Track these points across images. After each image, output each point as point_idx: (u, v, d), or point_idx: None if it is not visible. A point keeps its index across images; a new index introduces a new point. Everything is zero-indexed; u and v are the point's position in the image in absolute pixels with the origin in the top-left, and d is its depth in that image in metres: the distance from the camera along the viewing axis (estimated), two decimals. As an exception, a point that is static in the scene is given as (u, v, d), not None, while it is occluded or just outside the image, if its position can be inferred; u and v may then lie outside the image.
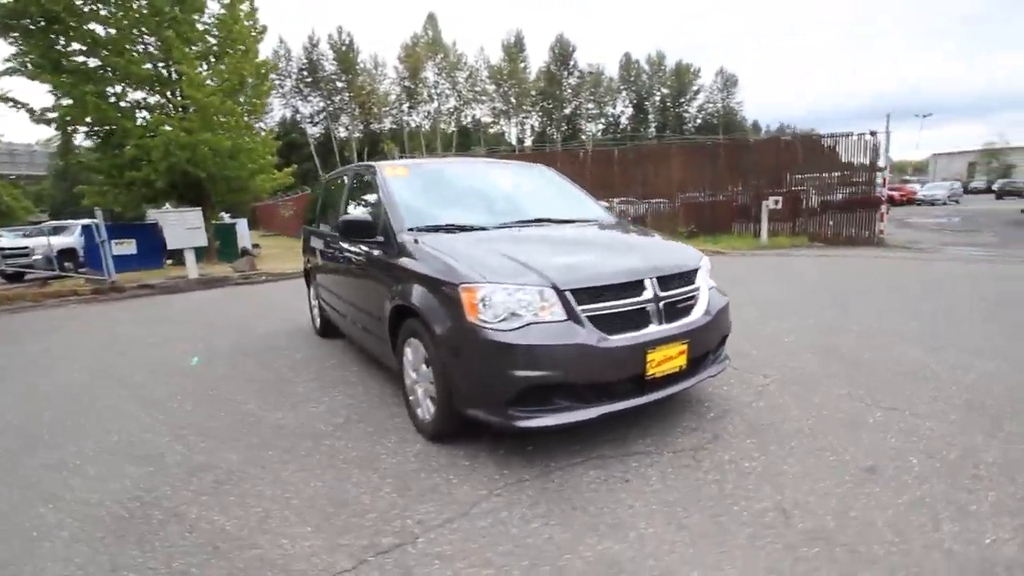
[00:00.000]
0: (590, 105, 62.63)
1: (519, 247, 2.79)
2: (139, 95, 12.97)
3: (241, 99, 13.20)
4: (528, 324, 2.35)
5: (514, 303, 2.39)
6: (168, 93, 12.91)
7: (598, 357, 2.38)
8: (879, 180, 13.08)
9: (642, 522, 2.08)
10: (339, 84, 52.92)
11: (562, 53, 59.04)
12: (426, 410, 2.87)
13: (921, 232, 15.44)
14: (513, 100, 57.86)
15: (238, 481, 2.57)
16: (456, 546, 1.98)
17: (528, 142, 61.14)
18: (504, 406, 2.36)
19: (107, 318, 7.43)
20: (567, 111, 62.38)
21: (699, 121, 65.19)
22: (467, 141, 56.60)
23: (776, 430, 2.81)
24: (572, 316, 2.39)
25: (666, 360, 2.55)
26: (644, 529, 2.03)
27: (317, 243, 4.99)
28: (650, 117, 64.89)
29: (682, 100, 65.05)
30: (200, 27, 12.71)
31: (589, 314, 2.42)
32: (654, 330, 2.54)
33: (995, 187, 38.85)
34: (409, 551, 1.97)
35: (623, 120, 64.63)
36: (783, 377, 3.60)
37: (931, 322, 4.91)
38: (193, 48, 12.40)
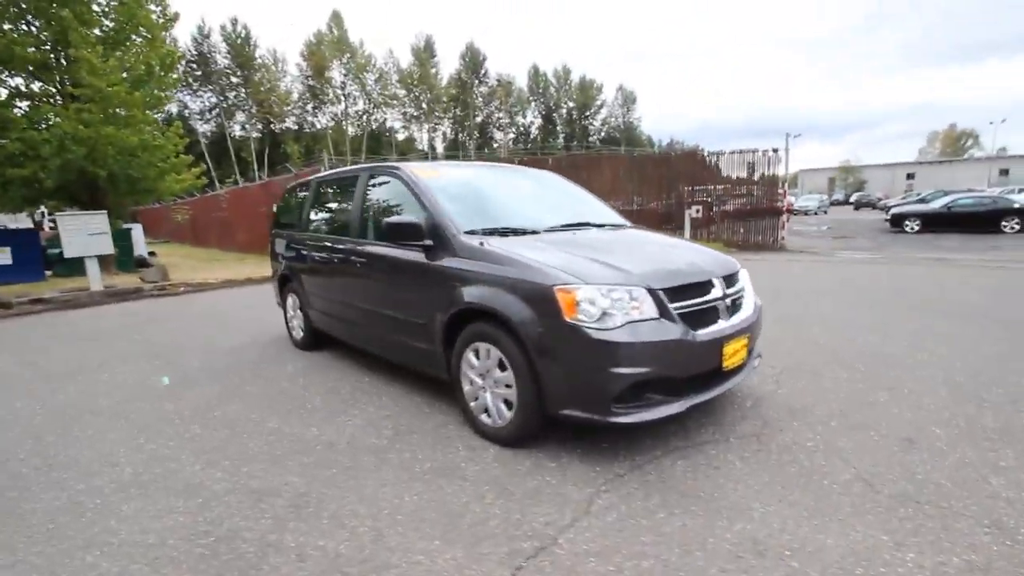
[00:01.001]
0: (501, 114, 63.71)
1: (588, 249, 2.86)
2: (16, 81, 11.21)
3: (144, 91, 11.86)
4: (629, 322, 2.44)
5: (608, 303, 2.46)
6: (56, 81, 11.29)
7: (690, 351, 2.52)
8: (780, 192, 14.76)
9: (755, 503, 2.24)
10: (234, 79, 49.17)
11: (473, 61, 59.56)
12: (498, 415, 2.83)
13: (808, 239, 17.53)
14: (424, 106, 57.29)
15: (319, 502, 2.37)
16: (600, 543, 2.01)
17: (440, 148, 60.86)
18: (607, 403, 2.42)
19: (8, 339, 6.33)
20: (479, 119, 62.96)
21: (603, 134, 68.79)
22: (377, 145, 55.15)
23: (812, 412, 3.13)
24: (664, 314, 2.51)
25: (735, 353, 2.76)
26: (763, 508, 2.19)
27: (305, 249, 4.68)
28: (558, 128, 67.33)
29: (587, 113, 68.28)
30: (97, 8, 11.27)
31: (677, 312, 2.56)
32: (725, 325, 2.74)
33: (852, 199, 45.28)
34: (558, 552, 1.96)
35: (533, 130, 66.48)
36: (787, 367, 3.99)
37: (870, 314, 5.67)
38: (93, 32, 10.96)
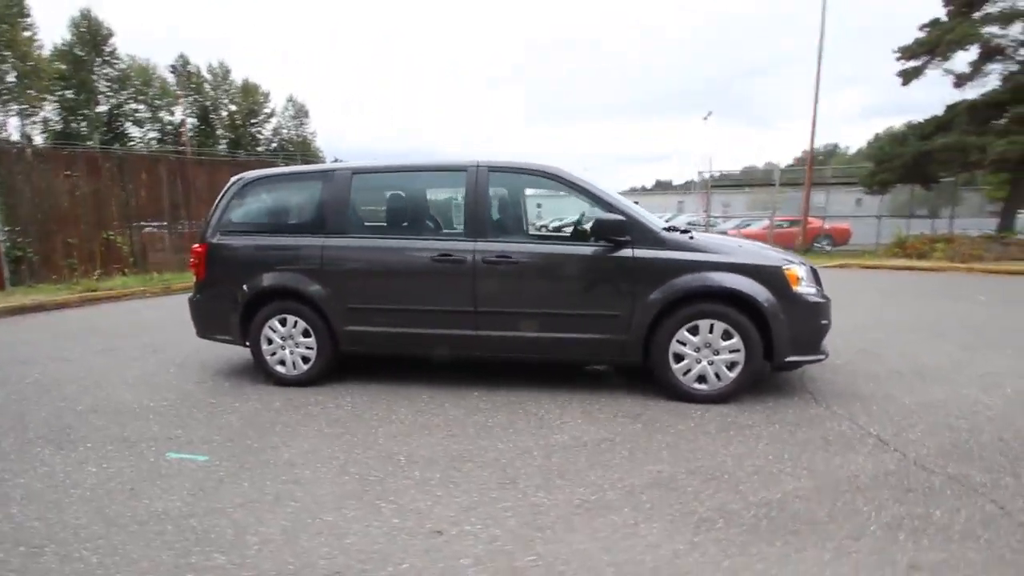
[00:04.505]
0: (139, 107, 51.60)
1: (730, 241, 3.79)
2: None
3: None
4: (817, 289, 3.51)
5: (805, 277, 3.47)
6: None
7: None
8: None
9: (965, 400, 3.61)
10: None
11: (92, 34, 46.23)
12: (718, 379, 3.43)
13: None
14: (12, 79, 41.24)
15: (730, 472, 2.56)
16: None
17: (39, 139, 44.77)
18: (817, 347, 3.45)
19: None
20: (103, 108, 49.32)
21: (274, 144, 63.77)
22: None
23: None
24: (819, 283, 3.67)
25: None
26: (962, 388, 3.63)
27: (348, 257, 3.82)
28: (219, 132, 58.92)
29: (254, 120, 62.04)
30: None
31: (815, 283, 3.76)
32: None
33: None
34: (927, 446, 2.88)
35: (184, 130, 56.10)
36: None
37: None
38: None
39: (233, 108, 60.66)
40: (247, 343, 4.08)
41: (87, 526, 2.23)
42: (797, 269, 3.42)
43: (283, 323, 3.97)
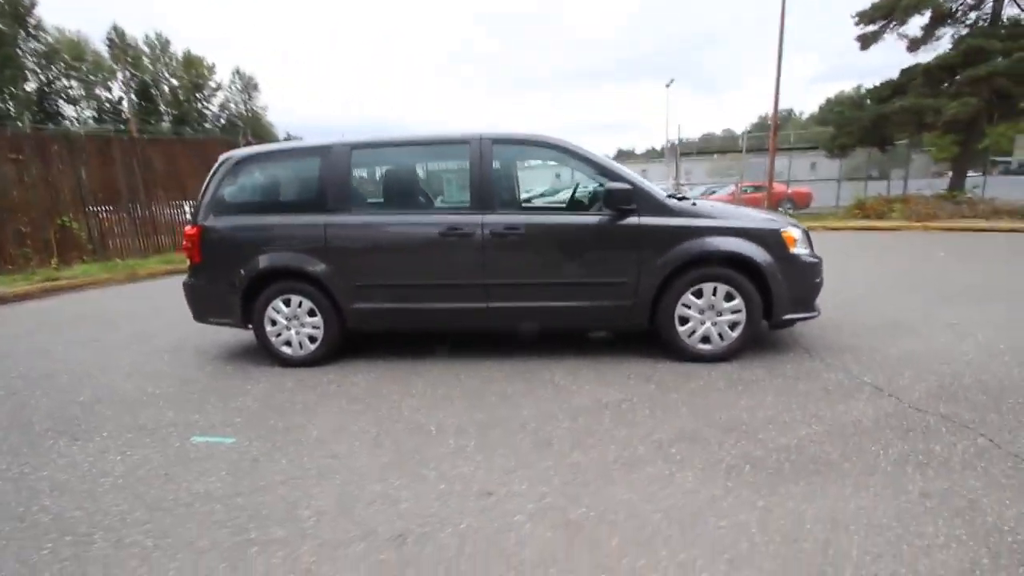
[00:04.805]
0: (72, 83, 48.11)
1: (729, 206, 3.92)
2: None
3: None
4: (810, 250, 3.69)
5: (800, 239, 3.65)
6: None
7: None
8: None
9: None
10: None
11: (12, 6, 42.47)
12: (721, 339, 3.61)
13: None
14: (-76, 53, 37.67)
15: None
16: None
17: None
18: (812, 304, 3.65)
19: None
20: (32, 85, 45.79)
21: (223, 120, 60.77)
22: None
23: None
24: (811, 245, 3.86)
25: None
26: (938, 338, 3.89)
27: (354, 235, 3.77)
28: (162, 108, 55.66)
29: (199, 96, 58.81)
30: None
31: (803, 244, 3.95)
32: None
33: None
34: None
35: (124, 107, 52.73)
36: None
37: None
38: None
39: (175, 82, 57.28)
40: (248, 325, 4.02)
41: (130, 512, 2.22)
42: (793, 231, 3.59)
43: (287, 303, 3.92)
